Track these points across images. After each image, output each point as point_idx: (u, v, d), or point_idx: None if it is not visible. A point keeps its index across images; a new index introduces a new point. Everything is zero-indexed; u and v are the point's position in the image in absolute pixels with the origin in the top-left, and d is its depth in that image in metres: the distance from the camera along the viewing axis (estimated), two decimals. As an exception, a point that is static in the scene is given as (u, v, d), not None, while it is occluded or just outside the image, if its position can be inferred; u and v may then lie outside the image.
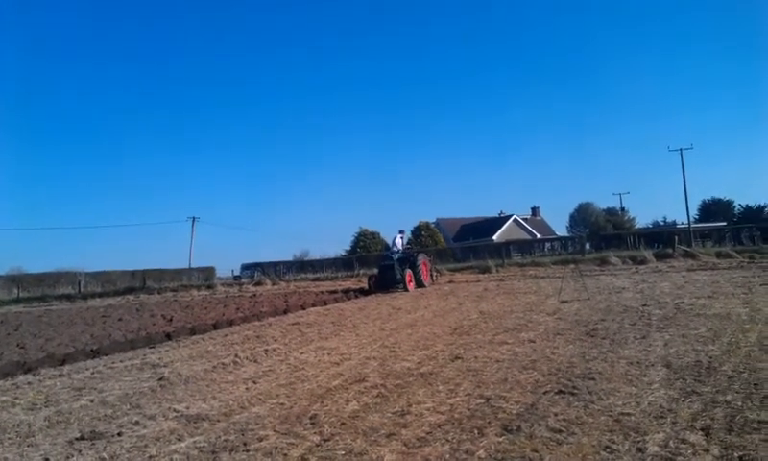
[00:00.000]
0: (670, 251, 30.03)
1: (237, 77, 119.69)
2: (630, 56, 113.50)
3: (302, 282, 35.96)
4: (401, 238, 24.92)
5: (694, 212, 67.06)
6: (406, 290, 21.91)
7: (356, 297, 21.76)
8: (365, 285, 24.91)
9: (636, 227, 66.90)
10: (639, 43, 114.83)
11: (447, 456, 4.12)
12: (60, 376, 8.67)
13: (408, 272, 22.64)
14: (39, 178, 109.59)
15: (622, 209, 73.28)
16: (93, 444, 5.05)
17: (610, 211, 74.07)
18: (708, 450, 3.87)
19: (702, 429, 4.28)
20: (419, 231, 58.71)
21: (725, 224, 52.17)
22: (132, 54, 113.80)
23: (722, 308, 10.66)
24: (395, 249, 24.12)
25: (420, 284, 23.03)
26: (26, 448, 5.07)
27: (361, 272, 36.28)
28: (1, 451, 5.01)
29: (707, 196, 73.81)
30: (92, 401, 6.76)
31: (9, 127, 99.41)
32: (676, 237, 34.63)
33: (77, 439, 5.22)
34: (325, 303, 19.32)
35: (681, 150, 50.49)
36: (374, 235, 58.73)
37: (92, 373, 8.71)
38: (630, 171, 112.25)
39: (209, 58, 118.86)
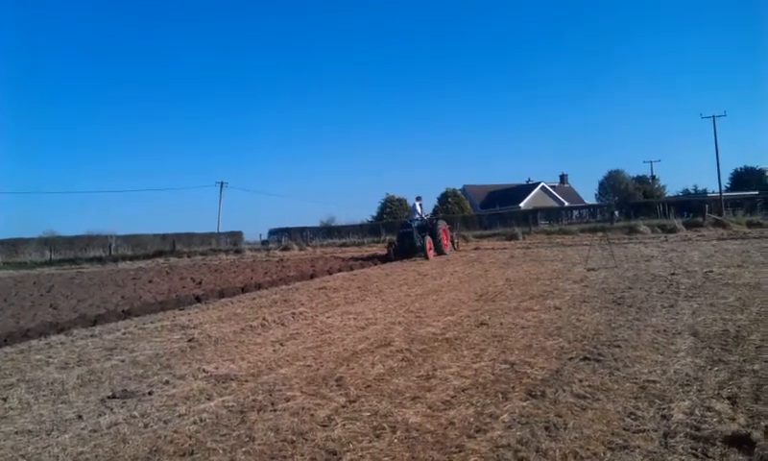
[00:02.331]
0: (700, 219, 29.56)
1: (269, 41, 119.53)
2: (663, 23, 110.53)
3: (329, 248, 36.18)
4: (420, 205, 24.71)
5: (726, 181, 65.68)
6: (426, 258, 21.79)
7: (381, 263, 21.77)
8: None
9: (667, 195, 65.84)
10: (674, 8, 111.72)
11: (471, 419, 4.16)
12: (91, 336, 8.87)
13: (428, 239, 22.48)
14: (72, 142, 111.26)
15: (653, 177, 72.11)
16: (124, 402, 5.18)
17: (640, 179, 72.95)
18: (734, 419, 3.86)
19: (728, 398, 4.26)
20: (445, 198, 58.58)
21: (757, 193, 50.84)
22: (166, 14, 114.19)
23: (751, 278, 10.49)
24: (415, 216, 23.97)
25: (440, 252, 22.82)
26: (60, 406, 5.22)
27: (387, 238, 36.32)
28: (36, 408, 5.18)
29: (739, 164, 72.41)
30: (123, 361, 6.92)
31: (41, 92, 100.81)
32: (706, 206, 34.05)
33: (108, 397, 5.35)
34: (351, 269, 19.43)
35: (713, 117, 49.17)
36: (401, 202, 58.72)
37: (123, 333, 8.90)
38: (661, 139, 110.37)
39: (240, 22, 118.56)
